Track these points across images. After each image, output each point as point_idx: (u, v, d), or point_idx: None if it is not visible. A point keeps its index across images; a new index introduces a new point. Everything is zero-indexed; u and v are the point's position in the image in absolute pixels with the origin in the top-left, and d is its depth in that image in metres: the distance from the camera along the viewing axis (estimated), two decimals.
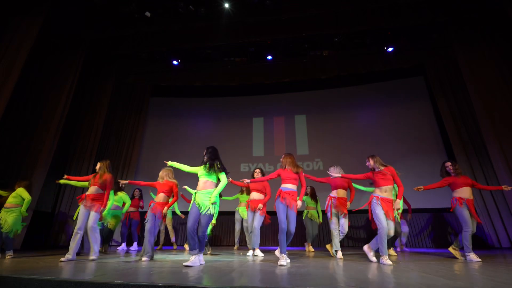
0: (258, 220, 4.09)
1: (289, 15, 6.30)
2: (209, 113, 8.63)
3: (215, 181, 3.02)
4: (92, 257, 3.34)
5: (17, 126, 5.65)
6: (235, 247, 5.86)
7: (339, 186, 3.93)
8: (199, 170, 3.03)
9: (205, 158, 3.07)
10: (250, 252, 4.11)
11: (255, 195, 4.28)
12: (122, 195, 5.26)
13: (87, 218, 3.44)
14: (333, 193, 3.94)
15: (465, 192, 3.52)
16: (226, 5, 6.09)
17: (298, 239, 6.89)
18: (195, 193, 2.96)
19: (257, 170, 4.50)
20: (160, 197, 3.70)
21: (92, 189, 3.56)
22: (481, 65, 5.86)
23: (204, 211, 2.84)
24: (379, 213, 3.11)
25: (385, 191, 3.22)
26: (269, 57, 7.93)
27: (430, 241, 6.33)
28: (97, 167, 3.72)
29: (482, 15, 6.05)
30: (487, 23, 6.09)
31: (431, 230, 6.41)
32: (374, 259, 3.14)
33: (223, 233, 7.22)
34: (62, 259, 3.15)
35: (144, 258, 3.34)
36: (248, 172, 7.77)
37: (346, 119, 7.96)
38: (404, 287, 1.74)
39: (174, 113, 8.68)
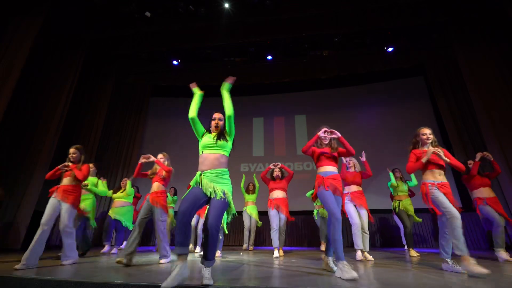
0: (283, 220, 4.17)
1: (289, 15, 6.30)
2: (209, 113, 8.56)
3: (228, 154, 2.14)
4: (64, 262, 2.82)
5: (17, 126, 5.65)
6: (244, 246, 5.63)
7: (353, 182, 3.72)
8: (204, 139, 2.13)
9: (213, 123, 2.21)
10: (275, 253, 3.91)
11: (279, 194, 4.24)
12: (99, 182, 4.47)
13: (57, 212, 2.90)
14: (346, 190, 3.73)
15: (483, 192, 3.58)
16: (226, 5, 6.09)
17: (297, 239, 6.89)
18: (200, 174, 2.01)
19: (277, 170, 4.42)
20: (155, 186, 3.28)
21: (65, 180, 3.03)
22: (481, 65, 5.86)
23: (219, 196, 1.90)
24: (443, 199, 2.47)
25: (439, 175, 2.64)
26: (269, 57, 7.93)
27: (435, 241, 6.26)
28: (71, 153, 3.13)
29: (482, 15, 6.05)
30: (487, 23, 6.08)
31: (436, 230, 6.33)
32: (476, 268, 2.13)
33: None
34: (17, 266, 2.42)
35: (163, 261, 3.06)
36: (248, 172, 7.76)
37: (346, 119, 7.95)
38: None
39: (174, 113, 8.68)
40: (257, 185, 5.68)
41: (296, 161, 7.79)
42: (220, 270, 2.49)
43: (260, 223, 5.44)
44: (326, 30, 6.70)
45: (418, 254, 3.92)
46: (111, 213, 4.67)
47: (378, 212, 6.41)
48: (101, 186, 4.44)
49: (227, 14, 6.22)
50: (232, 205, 1.99)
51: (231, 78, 2.33)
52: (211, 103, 9.40)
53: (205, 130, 2.20)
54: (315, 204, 5.46)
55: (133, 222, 4.91)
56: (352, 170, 3.84)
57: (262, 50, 7.78)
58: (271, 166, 4.42)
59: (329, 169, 2.56)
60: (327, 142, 2.71)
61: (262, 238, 6.92)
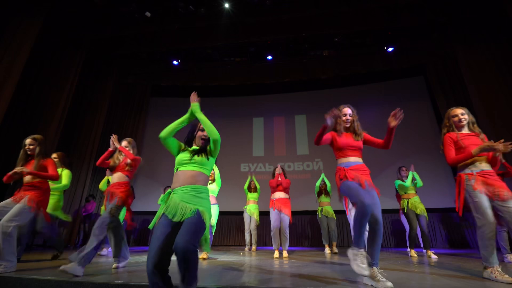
0: (286, 221, 4.03)
1: (289, 15, 6.30)
2: (209, 113, 8.42)
3: (208, 174, 1.72)
4: None
5: (18, 126, 5.65)
6: (246, 249, 5.49)
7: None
8: (180, 155, 1.71)
9: (201, 135, 1.79)
10: (276, 254, 3.93)
11: (280, 194, 4.18)
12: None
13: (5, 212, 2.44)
14: None
15: None
16: (226, 5, 6.09)
17: (297, 239, 6.89)
18: (169, 192, 1.61)
19: (278, 168, 4.35)
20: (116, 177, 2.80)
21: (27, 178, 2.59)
22: (481, 65, 5.86)
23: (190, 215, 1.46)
24: (481, 200, 1.99)
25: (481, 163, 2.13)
26: (269, 57, 7.94)
27: (446, 241, 6.21)
28: (28, 145, 2.62)
29: (482, 15, 6.05)
30: (487, 23, 6.08)
31: (443, 230, 6.30)
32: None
33: (223, 233, 7.22)
34: None
35: (119, 264, 2.64)
36: (248, 172, 7.77)
37: None
38: None
39: (174, 113, 8.61)
40: (257, 186, 5.67)
41: (296, 161, 7.79)
42: (219, 271, 2.49)
43: (258, 221, 5.43)
44: (326, 30, 6.70)
45: (416, 255, 3.90)
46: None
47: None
48: (65, 178, 3.68)
49: (227, 14, 6.22)
50: (208, 227, 1.49)
51: (194, 95, 1.87)
52: (211, 103, 9.43)
53: (184, 145, 1.79)
54: (319, 201, 5.17)
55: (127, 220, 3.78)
56: None
57: (262, 50, 7.79)
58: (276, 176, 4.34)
59: (352, 159, 2.11)
60: (348, 125, 2.20)
61: (265, 239, 6.93)
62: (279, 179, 4.25)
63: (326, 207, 5.06)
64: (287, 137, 8.16)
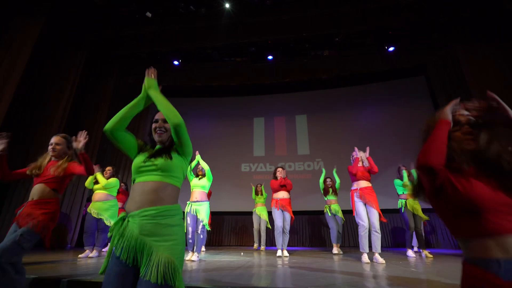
0: (288, 221, 4.15)
1: (289, 15, 6.29)
2: (209, 113, 8.64)
3: (178, 183, 1.35)
4: None
5: (18, 127, 5.66)
6: (255, 246, 5.89)
7: (362, 177, 3.54)
8: (137, 159, 1.24)
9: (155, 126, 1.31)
10: (279, 253, 4.00)
11: (284, 194, 4.25)
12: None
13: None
14: (354, 185, 3.59)
15: None
16: (227, 5, 6.09)
17: (298, 239, 6.88)
18: (122, 218, 1.12)
19: (279, 169, 4.38)
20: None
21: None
22: (482, 64, 5.84)
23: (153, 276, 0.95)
24: None
25: None
26: (270, 57, 7.93)
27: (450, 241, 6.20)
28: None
29: (483, 14, 6.03)
30: (488, 23, 6.07)
31: (444, 231, 6.30)
32: None
33: (223, 233, 7.22)
34: None
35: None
36: (248, 172, 7.77)
37: (347, 119, 7.95)
38: None
39: None
40: (264, 194, 5.77)
41: (297, 161, 7.79)
42: (224, 270, 2.48)
43: (268, 223, 5.48)
44: (327, 30, 6.68)
45: (415, 255, 3.91)
46: (90, 208, 4.00)
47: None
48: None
49: (228, 14, 6.22)
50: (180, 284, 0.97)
51: (151, 70, 1.37)
52: (212, 103, 9.46)
53: (144, 144, 1.31)
54: (326, 199, 5.03)
55: None
56: (360, 164, 3.67)
57: (262, 50, 7.78)
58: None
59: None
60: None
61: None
62: (282, 183, 4.27)
63: (334, 205, 4.90)
64: (287, 137, 8.16)
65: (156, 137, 1.26)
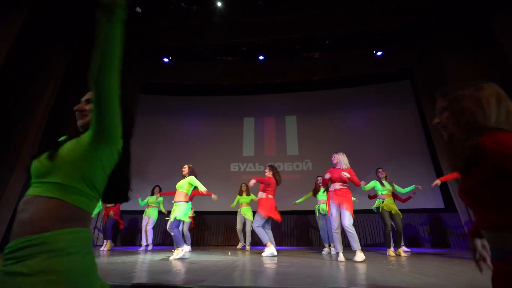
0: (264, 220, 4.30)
1: (281, 16, 6.33)
2: (199, 112, 8.58)
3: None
4: None
5: None
6: (239, 246, 5.91)
7: (337, 179, 3.62)
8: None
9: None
10: (266, 252, 4.04)
11: (262, 195, 4.41)
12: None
13: None
14: (330, 187, 3.68)
15: None
16: (219, 4, 6.06)
17: (287, 239, 6.93)
18: None
19: (267, 170, 4.52)
20: None
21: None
22: (465, 70, 6.04)
23: None
24: None
25: None
26: (261, 57, 7.95)
27: (429, 241, 6.39)
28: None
29: (470, 20, 6.23)
30: (473, 29, 6.26)
31: (429, 231, 6.49)
32: None
33: (212, 232, 7.18)
34: None
35: None
36: (238, 172, 7.77)
37: (336, 121, 8.07)
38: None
39: (164, 111, 8.57)
40: (251, 196, 5.75)
41: (286, 161, 7.85)
42: (209, 270, 2.48)
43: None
44: (317, 32, 6.77)
45: (394, 254, 4.02)
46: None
47: (365, 212, 6.52)
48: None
49: (220, 13, 6.19)
50: None
51: None
52: (202, 102, 9.37)
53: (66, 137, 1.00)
54: (317, 199, 4.98)
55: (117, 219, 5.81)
56: (338, 166, 3.74)
57: (254, 50, 7.79)
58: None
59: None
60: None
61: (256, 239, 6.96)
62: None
63: (322, 205, 4.84)
64: (277, 137, 8.21)
65: (78, 119, 0.99)
